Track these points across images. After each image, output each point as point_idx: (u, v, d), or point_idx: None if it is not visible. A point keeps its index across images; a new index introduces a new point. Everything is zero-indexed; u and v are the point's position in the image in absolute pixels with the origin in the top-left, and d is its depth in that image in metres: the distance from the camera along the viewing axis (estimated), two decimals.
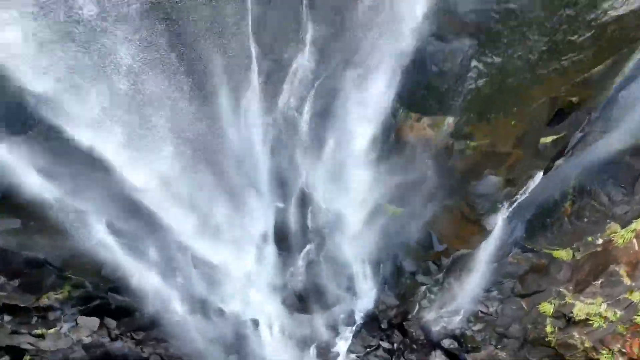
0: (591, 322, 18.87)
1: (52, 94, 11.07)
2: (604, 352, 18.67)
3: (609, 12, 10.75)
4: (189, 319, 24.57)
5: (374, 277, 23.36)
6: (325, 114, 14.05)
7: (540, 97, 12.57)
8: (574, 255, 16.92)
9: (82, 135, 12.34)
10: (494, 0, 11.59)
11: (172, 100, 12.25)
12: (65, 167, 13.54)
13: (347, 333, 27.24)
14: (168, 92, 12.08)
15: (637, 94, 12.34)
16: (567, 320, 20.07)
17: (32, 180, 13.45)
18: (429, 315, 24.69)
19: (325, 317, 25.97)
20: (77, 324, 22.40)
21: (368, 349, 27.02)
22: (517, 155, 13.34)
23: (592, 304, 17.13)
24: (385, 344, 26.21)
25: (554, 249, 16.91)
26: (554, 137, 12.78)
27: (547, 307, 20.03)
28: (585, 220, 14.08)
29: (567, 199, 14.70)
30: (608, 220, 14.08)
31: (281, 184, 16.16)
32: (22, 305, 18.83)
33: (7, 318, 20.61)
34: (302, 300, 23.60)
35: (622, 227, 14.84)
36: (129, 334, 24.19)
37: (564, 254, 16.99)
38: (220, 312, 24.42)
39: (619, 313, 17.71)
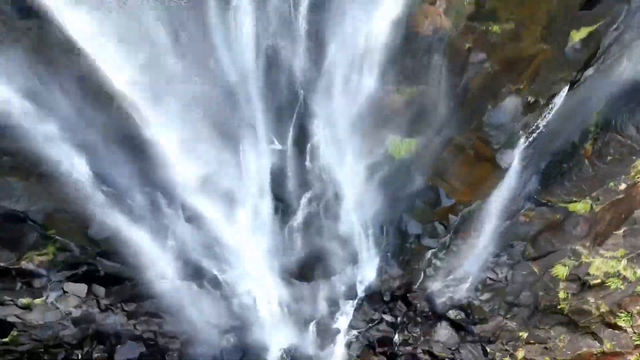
0: (608, 284, 17.79)
1: None
2: (621, 315, 17.61)
3: None
4: (182, 290, 23.45)
5: (377, 243, 22.19)
6: (324, 6, 12.29)
7: None
8: (592, 207, 15.78)
9: None
10: None
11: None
12: (51, 90, 12.32)
13: (349, 307, 26.13)
14: None
15: None
16: (582, 285, 18.98)
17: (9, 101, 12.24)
18: (434, 286, 23.57)
19: (325, 288, 24.85)
20: (64, 292, 21.26)
21: (370, 324, 25.93)
22: (543, 55, 12.08)
23: (613, 258, 16.00)
24: (388, 317, 25.11)
25: (571, 201, 15.78)
26: (586, 31, 11.51)
27: (561, 270, 18.92)
28: (609, 159, 12.93)
29: (588, 139, 13.55)
30: (634, 158, 12.88)
31: (277, 116, 14.89)
32: (2, 264, 17.62)
33: None
34: (302, 267, 22.45)
35: None
36: (119, 305, 23.05)
37: (580, 207, 15.85)
38: (216, 283, 23.28)
39: (639, 272, 16.62)
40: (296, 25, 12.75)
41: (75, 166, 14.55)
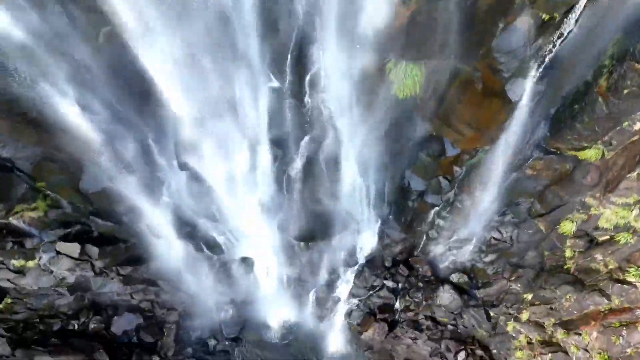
0: (617, 239, 17.24)
1: None
2: (631, 270, 17.07)
3: None
4: (179, 255, 22.89)
5: (378, 202, 21.57)
6: None
7: None
8: (603, 154, 15.13)
9: None
10: None
11: None
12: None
13: (349, 274, 25.66)
14: None
15: None
16: (590, 241, 18.45)
17: None
18: (436, 249, 23.06)
19: (325, 254, 24.34)
20: (57, 253, 20.71)
21: (371, 291, 25.50)
22: None
23: (624, 206, 15.37)
24: (389, 283, 24.66)
25: (581, 147, 15.12)
26: None
27: (568, 226, 18.35)
28: (625, 92, 12.23)
29: (603, 74, 12.86)
30: None
31: (274, 47, 14.07)
32: None
33: None
34: (301, 227, 21.87)
35: None
36: (114, 269, 22.54)
37: (591, 154, 15.19)
38: (213, 245, 22.73)
39: None
40: None
41: (63, 105, 13.82)
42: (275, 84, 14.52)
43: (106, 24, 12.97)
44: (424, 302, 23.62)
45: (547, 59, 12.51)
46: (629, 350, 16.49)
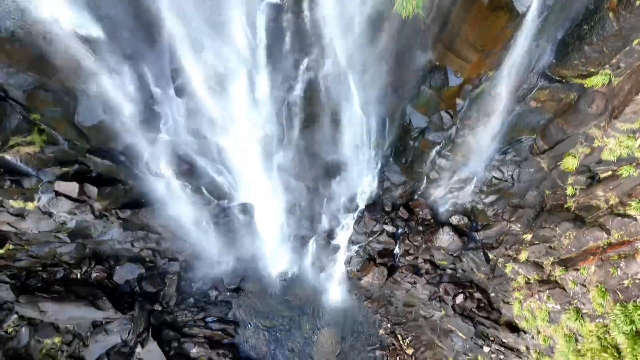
0: (619, 173, 17.08)
1: None
2: (632, 203, 16.95)
3: None
4: (178, 199, 22.74)
5: (379, 140, 21.27)
6: None
7: None
8: (610, 80, 14.77)
9: None
10: None
11: None
12: None
13: (349, 220, 25.65)
14: None
15: None
16: (591, 178, 18.30)
17: None
18: (437, 192, 22.97)
19: (325, 198, 24.23)
20: (56, 194, 20.57)
21: (371, 237, 25.57)
22: None
23: (629, 133, 15.09)
24: (389, 228, 24.71)
25: (588, 74, 14.74)
26: None
27: (570, 162, 18.16)
28: (638, 4, 11.80)
29: None
30: None
31: None
32: None
33: None
34: (300, 166, 21.64)
35: None
36: (114, 212, 22.49)
37: (598, 80, 14.81)
38: (212, 187, 22.53)
39: None
40: None
41: (56, 22, 13.24)
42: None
43: None
44: (424, 245, 23.73)
45: None
46: (626, 281, 16.59)
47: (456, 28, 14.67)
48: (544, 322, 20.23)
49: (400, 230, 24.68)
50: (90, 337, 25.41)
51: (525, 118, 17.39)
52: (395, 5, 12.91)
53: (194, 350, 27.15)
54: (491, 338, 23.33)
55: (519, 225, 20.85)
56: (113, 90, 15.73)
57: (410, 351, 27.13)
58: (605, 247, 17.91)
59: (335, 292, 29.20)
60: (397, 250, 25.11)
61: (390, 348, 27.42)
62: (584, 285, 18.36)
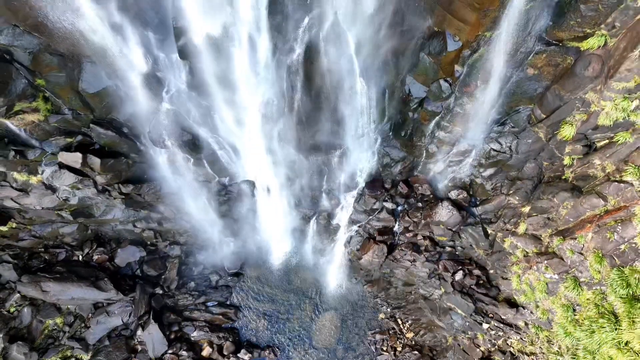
0: (615, 140, 17.32)
1: None
2: (628, 169, 17.15)
3: None
4: (179, 171, 22.87)
5: (379, 112, 21.46)
6: None
7: None
8: (605, 42, 15.06)
9: None
10: None
11: None
12: None
13: (349, 198, 25.81)
14: None
15: None
16: (588, 147, 18.54)
17: None
18: (436, 167, 23.18)
19: (327, 171, 24.27)
20: (59, 167, 20.82)
21: (370, 215, 25.73)
22: None
23: (624, 93, 15.31)
24: (389, 205, 24.89)
25: (584, 35, 15.05)
26: None
27: (568, 130, 18.41)
28: None
29: None
30: None
31: None
32: None
33: None
34: (301, 138, 21.81)
35: None
36: (116, 187, 22.71)
37: (594, 42, 15.09)
38: (213, 160, 22.65)
39: None
40: None
41: None
42: None
43: None
44: (423, 221, 23.90)
45: None
46: (622, 246, 16.75)
47: None
48: (542, 294, 20.37)
49: (399, 208, 24.85)
50: (91, 319, 25.47)
51: (522, 86, 17.64)
52: None
53: (194, 334, 27.23)
54: (490, 315, 23.42)
55: (517, 198, 21.03)
56: (118, 55, 15.94)
57: (410, 335, 27.18)
58: (602, 214, 18.10)
59: (335, 276, 29.29)
60: (396, 227, 25.27)
61: (390, 332, 27.47)
62: (581, 254, 18.52)
